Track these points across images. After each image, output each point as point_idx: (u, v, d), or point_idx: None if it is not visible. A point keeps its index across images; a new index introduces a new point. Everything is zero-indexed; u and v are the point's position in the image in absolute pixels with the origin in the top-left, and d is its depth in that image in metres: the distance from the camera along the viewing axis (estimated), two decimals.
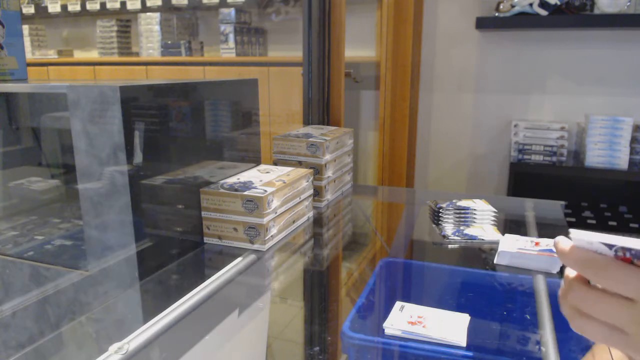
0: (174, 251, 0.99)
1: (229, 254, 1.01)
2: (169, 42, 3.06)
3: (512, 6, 2.24)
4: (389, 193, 1.83)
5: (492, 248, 1.06)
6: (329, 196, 1.37)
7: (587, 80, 2.38)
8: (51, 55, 3.43)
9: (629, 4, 2.12)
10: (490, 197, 1.30)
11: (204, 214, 1.05)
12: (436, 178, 2.76)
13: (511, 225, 1.25)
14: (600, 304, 0.41)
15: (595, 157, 2.17)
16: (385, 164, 2.49)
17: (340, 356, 0.73)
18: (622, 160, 2.14)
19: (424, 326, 0.74)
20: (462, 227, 1.18)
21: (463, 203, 1.23)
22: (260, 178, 1.11)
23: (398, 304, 0.81)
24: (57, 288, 0.93)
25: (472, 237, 1.12)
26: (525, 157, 2.30)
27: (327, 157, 1.32)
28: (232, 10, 2.89)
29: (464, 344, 0.71)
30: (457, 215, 1.20)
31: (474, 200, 1.26)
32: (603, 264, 0.41)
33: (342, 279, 1.04)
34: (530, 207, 1.36)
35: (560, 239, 0.44)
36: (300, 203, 1.17)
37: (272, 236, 1.04)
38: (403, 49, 2.38)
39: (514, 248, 0.99)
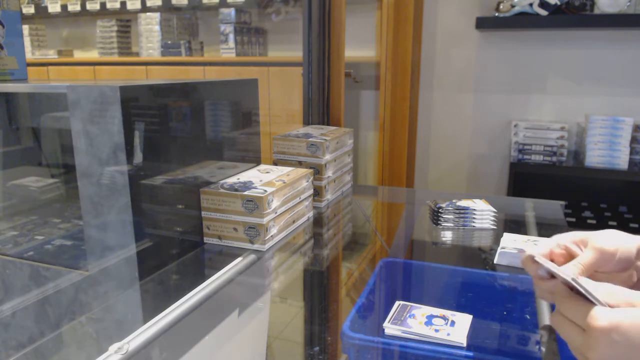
0: (174, 251, 0.99)
1: (229, 254, 1.01)
2: (169, 42, 3.06)
3: (512, 6, 2.24)
4: (389, 193, 1.83)
5: (492, 248, 1.07)
6: (329, 196, 1.37)
7: (587, 80, 2.38)
8: (51, 55, 3.43)
9: (629, 4, 2.12)
10: (490, 197, 1.30)
11: (204, 214, 1.05)
12: (436, 178, 2.76)
13: (511, 225, 1.25)
14: (564, 326, 0.49)
15: (595, 157, 2.17)
16: (385, 164, 2.49)
17: (340, 356, 0.73)
18: (622, 160, 2.14)
19: (424, 326, 0.74)
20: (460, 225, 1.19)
21: (463, 203, 1.23)
22: (260, 178, 1.11)
23: (398, 304, 0.81)
24: (57, 288, 0.93)
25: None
26: (525, 157, 2.30)
27: (327, 157, 1.32)
28: (232, 10, 2.89)
29: (464, 343, 0.71)
30: (457, 215, 1.20)
31: (474, 200, 1.26)
32: (561, 297, 0.49)
33: (342, 279, 1.04)
34: (530, 207, 1.36)
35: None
36: (300, 203, 1.17)
37: (272, 236, 1.04)
38: (403, 49, 2.38)
39: (514, 248, 0.99)
